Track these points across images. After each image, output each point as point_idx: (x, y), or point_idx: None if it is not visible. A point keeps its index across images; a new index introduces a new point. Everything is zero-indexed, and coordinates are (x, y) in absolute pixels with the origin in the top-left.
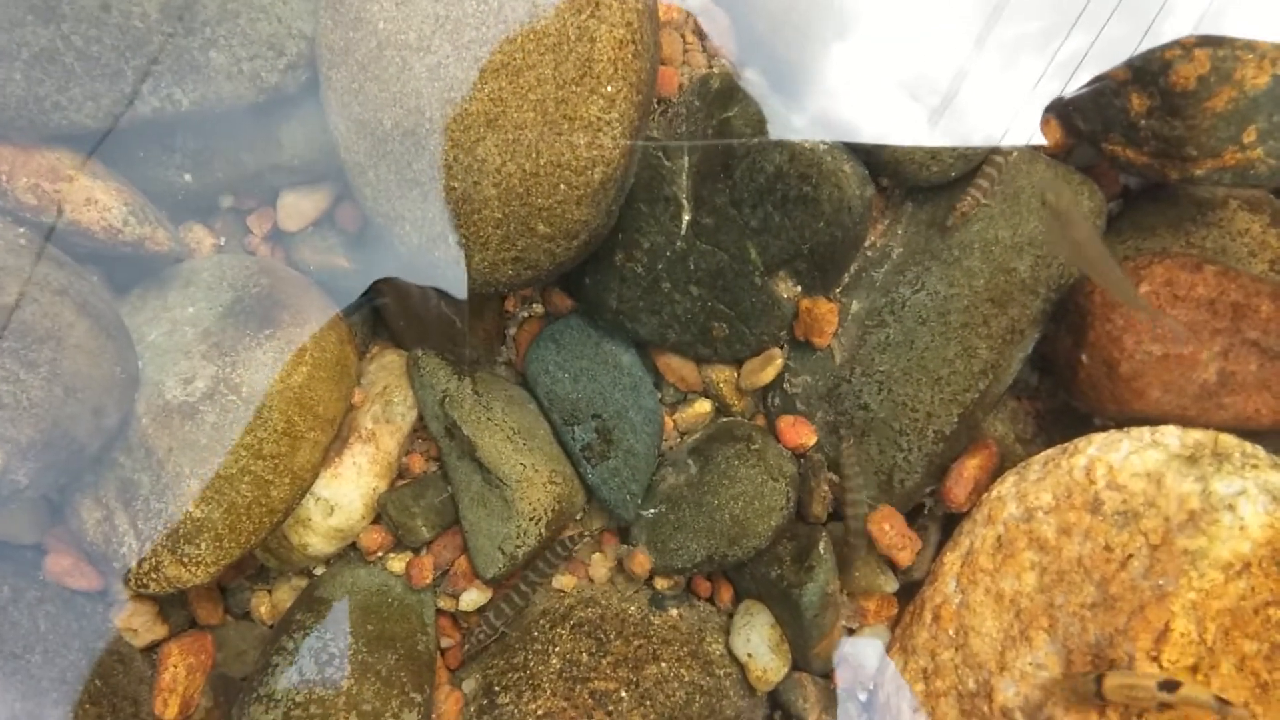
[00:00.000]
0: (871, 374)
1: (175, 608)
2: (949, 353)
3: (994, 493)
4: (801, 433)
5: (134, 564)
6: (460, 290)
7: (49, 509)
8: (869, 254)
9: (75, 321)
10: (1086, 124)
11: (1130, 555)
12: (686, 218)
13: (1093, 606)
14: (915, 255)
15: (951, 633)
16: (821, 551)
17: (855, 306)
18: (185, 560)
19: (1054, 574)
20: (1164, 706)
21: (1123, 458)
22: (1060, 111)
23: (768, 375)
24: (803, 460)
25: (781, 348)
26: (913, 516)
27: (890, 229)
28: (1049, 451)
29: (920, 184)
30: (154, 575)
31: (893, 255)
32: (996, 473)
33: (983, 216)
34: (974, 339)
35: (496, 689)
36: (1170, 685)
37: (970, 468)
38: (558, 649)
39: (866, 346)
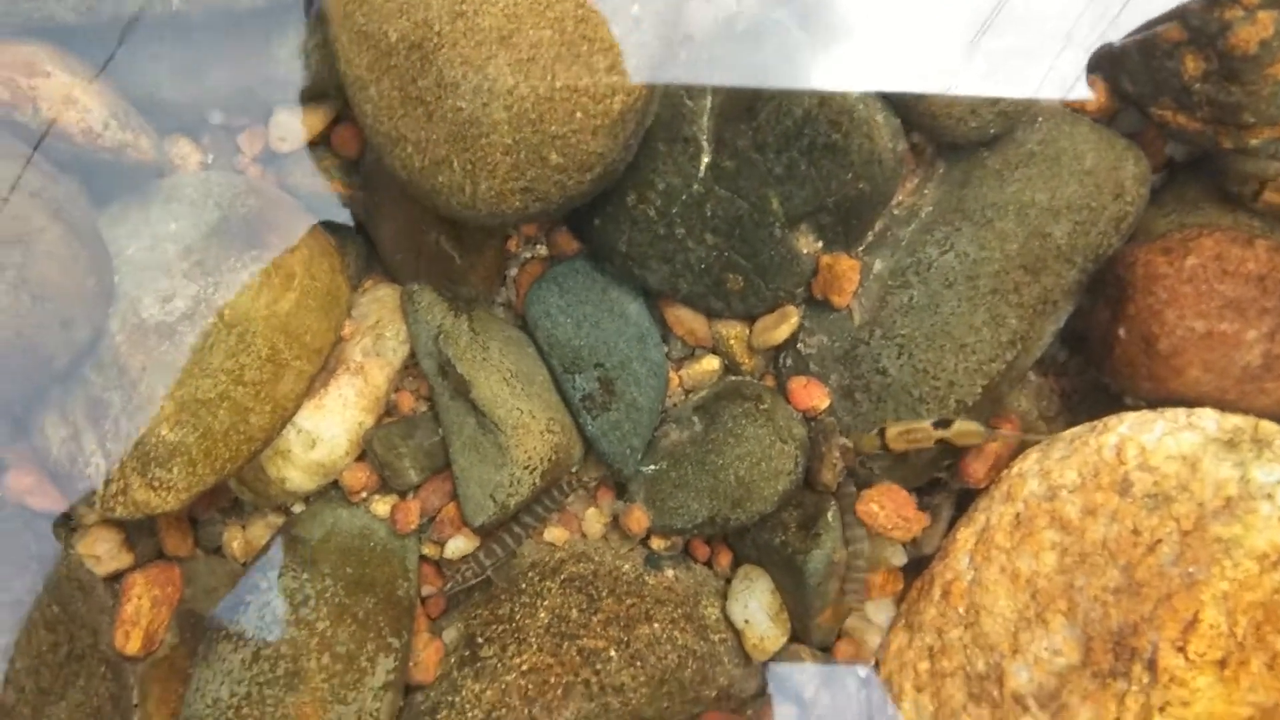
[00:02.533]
0: (892, 337)
1: (143, 537)
2: (976, 320)
3: (1015, 469)
4: (814, 395)
5: (100, 485)
6: (462, 220)
7: (11, 425)
8: (895, 212)
9: (47, 226)
10: (1135, 87)
11: (1159, 540)
12: (706, 160)
13: (1116, 591)
14: (946, 215)
15: (961, 611)
16: (829, 519)
17: (878, 266)
18: (155, 484)
19: (1076, 555)
20: (941, 443)
21: (1156, 439)
22: (1107, 73)
23: (782, 334)
24: (814, 424)
25: (798, 305)
26: (928, 490)
27: (919, 188)
28: (1076, 429)
29: (958, 140)
30: (121, 498)
31: (921, 214)
32: (1017, 449)
33: (1020, 178)
34: (1003, 307)
35: (480, 640)
36: (944, 423)
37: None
38: (546, 603)
39: (888, 308)
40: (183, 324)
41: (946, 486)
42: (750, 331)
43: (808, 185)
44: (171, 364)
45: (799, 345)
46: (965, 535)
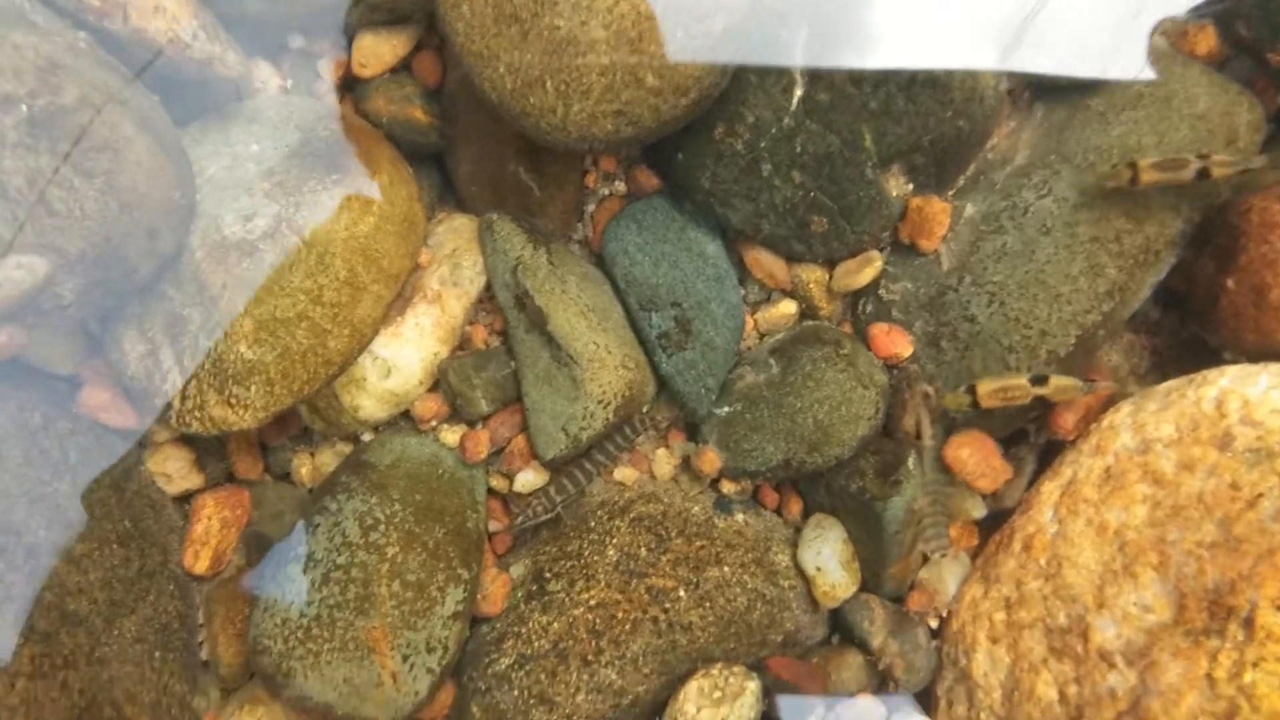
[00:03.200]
0: (982, 284)
1: (212, 459)
2: (1073, 268)
3: (1106, 422)
4: (896, 342)
5: (177, 402)
6: (551, 145)
7: (87, 341)
8: (989, 156)
9: (135, 136)
10: (1250, 31)
11: (1260, 495)
12: (799, 93)
13: (1212, 546)
14: (1044, 158)
15: (1043, 563)
16: (910, 466)
17: (970, 210)
18: (233, 401)
19: (1169, 509)
20: (1039, 400)
21: (1261, 392)
22: (1219, 17)
23: (864, 278)
24: (896, 371)
25: (882, 250)
26: (1012, 442)
27: (1015, 133)
28: (1172, 382)
29: (1059, 80)
30: (198, 414)
31: (1017, 158)
32: (1108, 402)
33: (1126, 121)
34: (1102, 256)
35: (548, 575)
36: (1040, 379)
37: None
38: (615, 541)
39: (979, 254)
40: (264, 242)
41: (1031, 439)
42: (830, 276)
43: (904, 122)
44: (252, 282)
45: (881, 291)
46: (1050, 489)
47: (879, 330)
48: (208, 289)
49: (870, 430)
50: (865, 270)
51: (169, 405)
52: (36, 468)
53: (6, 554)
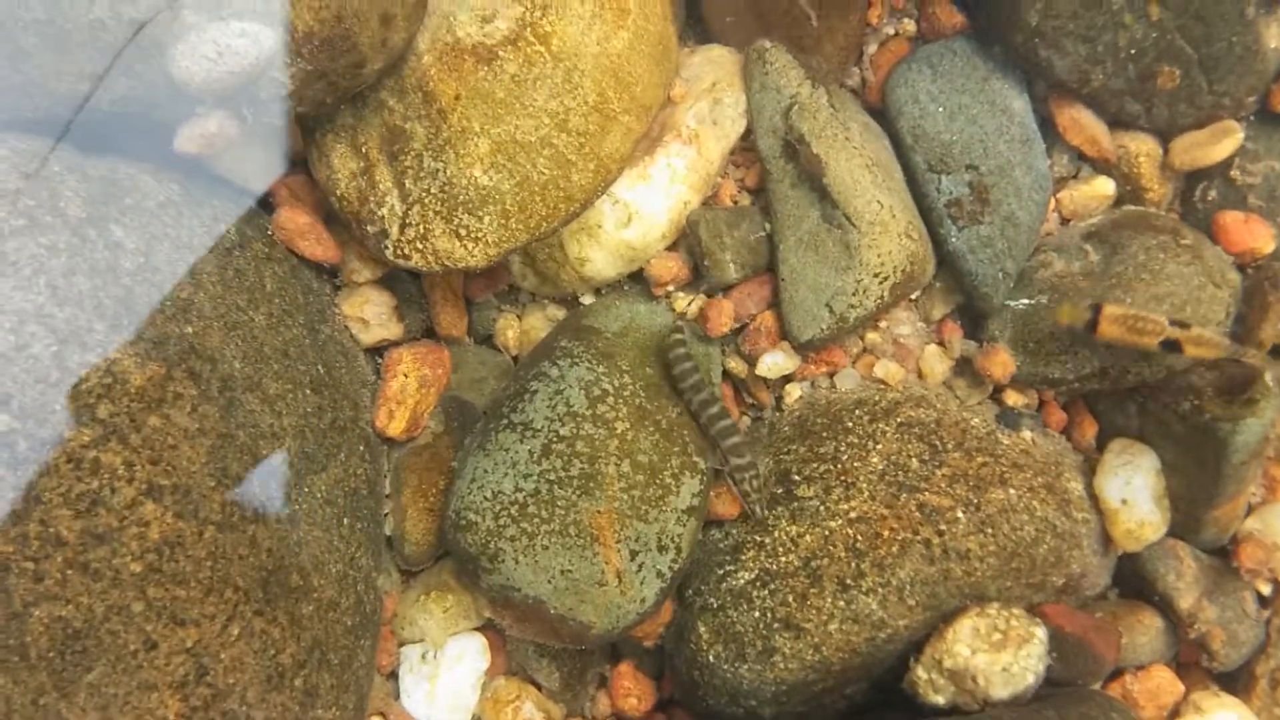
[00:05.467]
0: None
1: (413, 309)
2: None
3: None
4: (1255, 234)
5: (395, 230)
6: None
7: (285, 159)
8: None
9: None
10: None
11: None
12: None
13: None
14: None
15: None
16: (1268, 383)
17: None
18: (462, 233)
19: None
20: (1168, 345)
21: None
22: None
23: (1217, 153)
24: (1250, 271)
25: (1241, 120)
26: None
27: None
28: None
29: None
30: (419, 245)
31: None
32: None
33: None
34: None
35: (796, 478)
36: (1181, 324)
37: None
38: (879, 447)
39: None
40: (504, 50)
41: None
42: (1167, 150)
43: None
44: (489, 95)
45: (1234, 172)
46: None
47: (1232, 220)
48: (436, 100)
49: None
50: (1222, 143)
51: (383, 234)
52: (232, 290)
53: (200, 381)
